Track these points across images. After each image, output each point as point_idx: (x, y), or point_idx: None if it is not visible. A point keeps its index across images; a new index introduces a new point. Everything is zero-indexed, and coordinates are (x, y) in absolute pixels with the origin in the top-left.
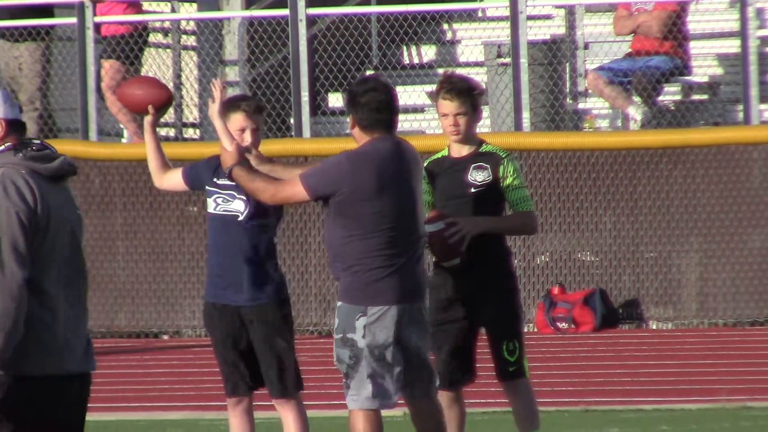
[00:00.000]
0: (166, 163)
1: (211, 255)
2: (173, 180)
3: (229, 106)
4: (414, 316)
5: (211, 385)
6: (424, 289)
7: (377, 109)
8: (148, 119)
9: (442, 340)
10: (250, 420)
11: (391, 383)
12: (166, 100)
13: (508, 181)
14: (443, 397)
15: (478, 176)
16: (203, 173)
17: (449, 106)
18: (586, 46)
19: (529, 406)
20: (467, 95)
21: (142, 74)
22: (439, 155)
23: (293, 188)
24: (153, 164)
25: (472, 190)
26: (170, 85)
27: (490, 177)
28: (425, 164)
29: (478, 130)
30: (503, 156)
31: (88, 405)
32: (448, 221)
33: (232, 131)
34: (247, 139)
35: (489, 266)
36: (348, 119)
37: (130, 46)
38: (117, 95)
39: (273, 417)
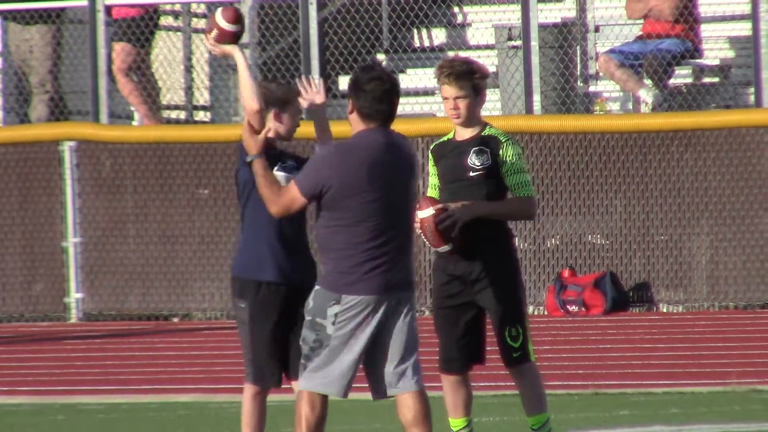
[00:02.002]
0: None
1: (268, 233)
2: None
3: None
4: (394, 309)
5: (221, 368)
6: (409, 282)
7: (380, 98)
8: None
9: (443, 323)
10: (264, 406)
11: (348, 373)
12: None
13: (507, 165)
14: (447, 381)
15: (477, 160)
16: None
17: (448, 89)
18: (597, 29)
19: (536, 389)
20: (467, 78)
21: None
22: (445, 138)
23: (290, 194)
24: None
25: (471, 173)
26: (180, 68)
27: (490, 161)
28: (432, 147)
29: (489, 113)
30: (503, 140)
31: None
32: (438, 207)
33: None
34: (288, 121)
35: (489, 249)
36: (348, 102)
37: (141, 28)
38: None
39: (285, 400)
